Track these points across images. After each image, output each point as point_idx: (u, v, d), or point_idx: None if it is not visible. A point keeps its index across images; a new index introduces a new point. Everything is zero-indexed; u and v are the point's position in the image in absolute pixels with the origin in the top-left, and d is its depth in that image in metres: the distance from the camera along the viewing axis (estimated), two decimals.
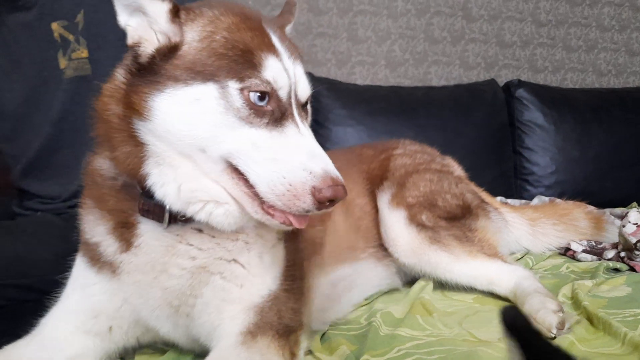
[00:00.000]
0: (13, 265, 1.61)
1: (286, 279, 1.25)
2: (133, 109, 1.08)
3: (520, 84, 3.49)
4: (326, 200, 1.03)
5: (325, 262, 1.52)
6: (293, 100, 1.11)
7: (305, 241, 1.39)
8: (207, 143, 1.06)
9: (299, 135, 1.08)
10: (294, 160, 1.04)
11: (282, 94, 1.09)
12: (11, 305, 1.61)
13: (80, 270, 1.27)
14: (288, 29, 1.33)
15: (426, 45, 3.75)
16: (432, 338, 1.37)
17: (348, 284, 1.60)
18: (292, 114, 1.09)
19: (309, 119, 1.20)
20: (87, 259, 1.25)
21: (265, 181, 1.03)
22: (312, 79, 3.15)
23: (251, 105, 1.05)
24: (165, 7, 1.09)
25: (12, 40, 1.90)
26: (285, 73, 1.09)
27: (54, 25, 1.84)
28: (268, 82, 1.06)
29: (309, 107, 1.21)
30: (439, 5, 3.74)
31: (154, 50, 1.08)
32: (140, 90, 1.07)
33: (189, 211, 1.11)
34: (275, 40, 1.12)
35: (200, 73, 1.05)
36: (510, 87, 3.50)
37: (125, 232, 1.18)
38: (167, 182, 1.09)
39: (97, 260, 1.23)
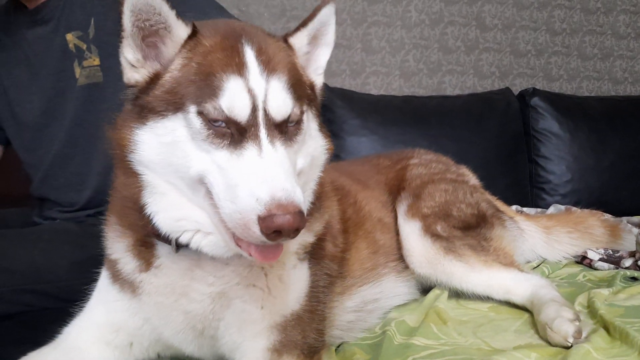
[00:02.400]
0: (29, 271, 1.65)
1: (310, 300, 1.24)
2: (122, 143, 1.10)
3: (535, 92, 3.49)
4: (270, 231, 0.93)
5: (349, 284, 1.50)
6: (260, 120, 1.02)
7: (329, 263, 1.37)
8: (182, 170, 1.04)
9: (257, 158, 0.99)
10: (245, 186, 0.96)
11: (241, 115, 1.02)
12: (30, 312, 1.65)
13: (104, 285, 1.29)
14: (300, 36, 1.21)
15: (440, 55, 3.76)
16: (447, 347, 1.36)
17: (372, 308, 1.57)
18: (255, 134, 1.01)
19: (300, 136, 1.10)
20: (109, 274, 1.27)
21: (224, 207, 0.99)
22: (327, 89, 3.20)
23: (209, 126, 1.02)
24: None
25: (31, 54, 1.95)
26: (246, 94, 1.02)
27: (69, 36, 1.88)
28: (220, 108, 1.01)
29: (303, 125, 1.11)
30: (453, 15, 3.76)
31: (139, 82, 1.10)
32: (128, 124, 1.10)
33: (182, 240, 1.10)
34: (249, 57, 1.05)
35: (173, 103, 1.05)
36: (525, 96, 3.50)
37: (143, 251, 1.19)
38: (159, 210, 1.09)
39: (118, 277, 1.24)
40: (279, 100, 1.05)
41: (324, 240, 1.32)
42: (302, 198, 0.97)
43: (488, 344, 1.39)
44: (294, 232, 0.95)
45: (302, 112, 1.10)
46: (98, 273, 1.35)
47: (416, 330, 1.45)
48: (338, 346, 1.44)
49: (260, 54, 1.07)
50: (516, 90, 3.63)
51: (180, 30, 1.10)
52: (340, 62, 3.58)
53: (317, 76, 1.24)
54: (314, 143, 1.17)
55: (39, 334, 1.31)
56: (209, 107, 1.01)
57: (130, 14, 1.07)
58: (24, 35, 1.95)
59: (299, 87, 1.11)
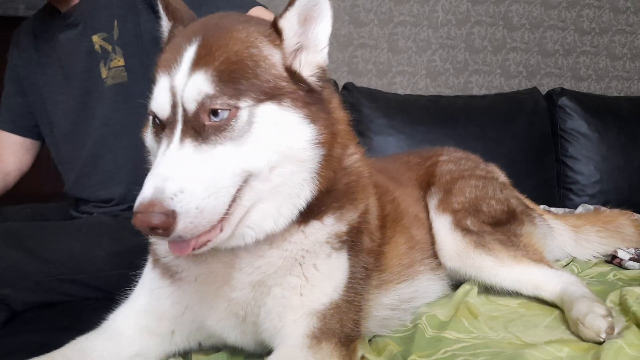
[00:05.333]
0: (69, 261, 1.69)
1: (348, 290, 1.25)
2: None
3: (563, 92, 3.46)
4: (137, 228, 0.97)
5: (386, 279, 1.50)
6: (179, 117, 1.04)
7: (367, 257, 1.38)
8: None
9: (161, 155, 1.03)
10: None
11: (161, 113, 1.07)
12: (70, 302, 1.70)
13: (148, 272, 1.33)
14: (288, 17, 1.14)
15: (467, 54, 3.76)
16: (478, 340, 1.37)
17: (407, 307, 1.57)
18: (170, 131, 1.04)
19: (231, 132, 1.04)
20: (151, 260, 1.31)
21: None
22: (353, 88, 3.22)
23: (154, 123, 1.11)
24: None
25: (63, 56, 2.01)
26: (167, 91, 1.05)
27: (95, 38, 1.93)
28: (151, 106, 1.09)
29: (237, 121, 1.04)
30: (480, 15, 3.76)
31: None
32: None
33: None
34: (187, 53, 1.07)
35: None
36: (552, 96, 3.48)
37: None
38: None
39: (157, 262, 1.28)
40: (191, 94, 1.03)
41: (361, 233, 1.33)
42: (184, 197, 0.97)
43: (519, 338, 1.39)
44: (152, 230, 0.96)
45: (235, 107, 1.04)
46: (134, 264, 1.38)
47: (447, 324, 1.46)
48: (370, 339, 1.46)
49: (201, 48, 1.06)
50: (544, 90, 3.62)
51: (164, 25, 1.22)
52: (367, 61, 3.61)
53: (316, 54, 1.16)
54: (285, 139, 1.09)
55: (80, 321, 1.35)
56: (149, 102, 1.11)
57: None
58: (57, 38, 2.01)
59: (240, 80, 1.06)
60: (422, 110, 3.28)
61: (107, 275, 1.70)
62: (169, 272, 1.26)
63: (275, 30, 1.14)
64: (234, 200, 1.05)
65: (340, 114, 1.22)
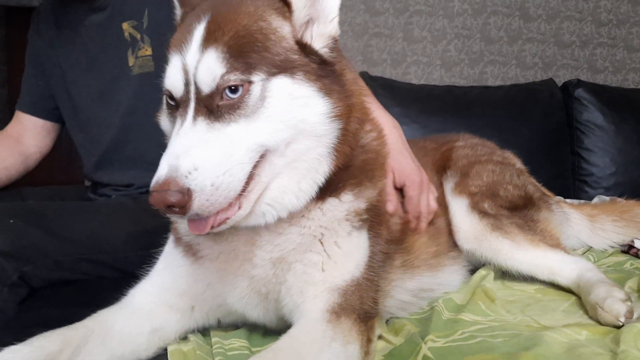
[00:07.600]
0: (88, 241, 1.71)
1: (369, 269, 1.25)
2: None
3: (580, 83, 3.44)
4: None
5: (408, 264, 1.50)
6: (192, 94, 1.04)
7: (390, 238, 1.38)
8: None
9: (175, 134, 1.03)
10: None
11: (175, 92, 1.07)
12: (89, 280, 1.71)
13: (169, 250, 1.33)
14: None
15: (482, 45, 3.74)
16: (496, 323, 1.38)
17: (426, 296, 1.56)
18: (184, 110, 1.04)
19: (244, 109, 1.03)
20: (173, 238, 1.32)
21: None
22: (368, 77, 3.21)
23: (168, 104, 1.13)
24: None
25: (89, 40, 2.01)
26: (179, 69, 1.06)
27: (125, 25, 1.93)
28: (164, 86, 1.09)
29: (250, 97, 1.04)
30: (496, 5, 3.73)
31: None
32: None
33: None
34: (197, 30, 1.06)
35: None
36: (568, 87, 3.45)
37: None
38: None
39: (179, 240, 1.29)
40: (203, 71, 1.03)
41: (381, 214, 1.32)
42: (198, 174, 0.97)
43: (537, 321, 1.39)
44: (168, 208, 0.97)
45: (248, 82, 1.03)
46: (153, 245, 1.39)
47: (464, 307, 1.47)
48: (387, 320, 1.47)
49: (210, 25, 1.06)
50: (560, 82, 3.59)
51: (177, 13, 1.24)
52: (382, 51, 3.60)
53: (327, 24, 1.14)
54: (299, 113, 1.07)
55: (98, 298, 1.36)
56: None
57: None
58: (82, 22, 2.01)
59: (250, 54, 1.04)
60: (437, 101, 3.27)
61: (126, 256, 1.71)
62: (191, 251, 1.26)
63: (284, 3, 1.12)
64: (251, 177, 1.05)
65: (355, 87, 1.19)
